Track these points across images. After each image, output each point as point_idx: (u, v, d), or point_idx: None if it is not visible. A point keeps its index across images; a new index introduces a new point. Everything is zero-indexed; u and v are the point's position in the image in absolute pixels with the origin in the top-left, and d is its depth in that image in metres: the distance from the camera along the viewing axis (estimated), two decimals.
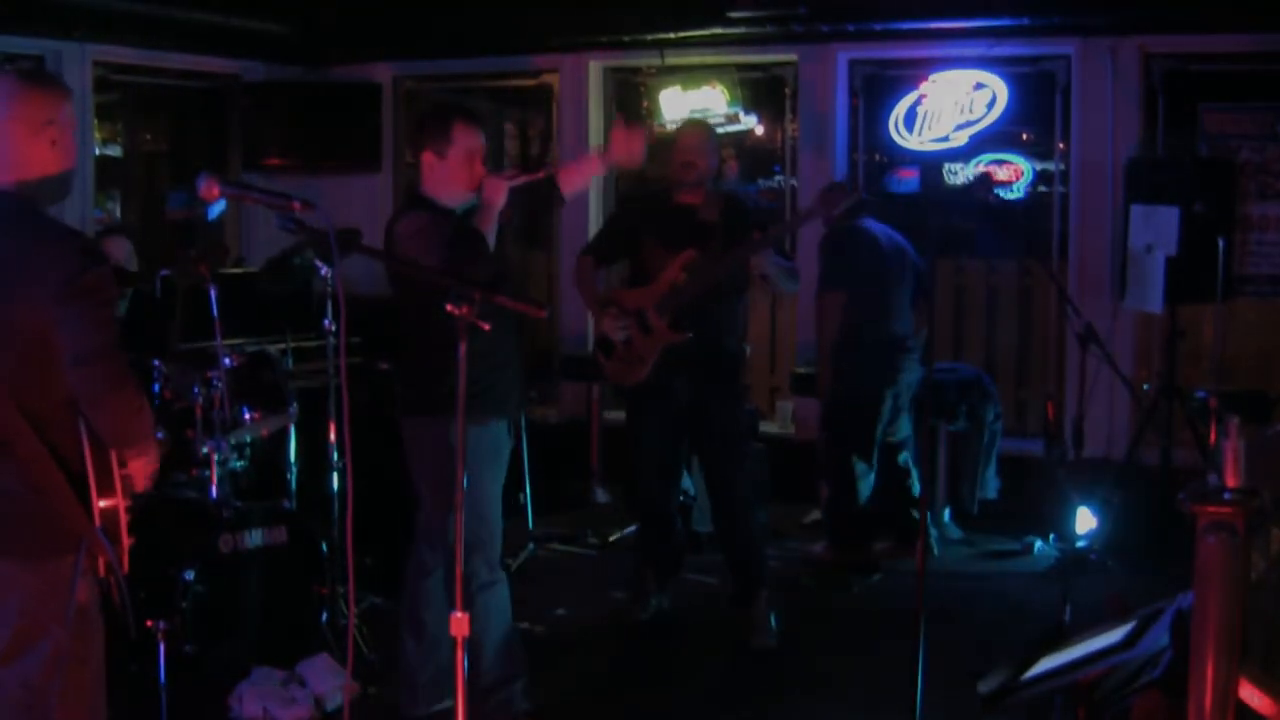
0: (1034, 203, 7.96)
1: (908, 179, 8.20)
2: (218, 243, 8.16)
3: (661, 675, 5.18)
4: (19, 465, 2.94)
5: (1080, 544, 6.44)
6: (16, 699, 3.01)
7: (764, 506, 6.61)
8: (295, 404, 5.29)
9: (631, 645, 5.49)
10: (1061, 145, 7.71)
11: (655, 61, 8.28)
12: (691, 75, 8.27)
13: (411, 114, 8.75)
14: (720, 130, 8.08)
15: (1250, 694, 2.26)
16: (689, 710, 4.86)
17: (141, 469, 3.18)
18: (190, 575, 4.61)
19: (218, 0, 7.84)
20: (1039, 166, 7.93)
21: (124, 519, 3.07)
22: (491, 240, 4.18)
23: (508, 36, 8.35)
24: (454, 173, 4.24)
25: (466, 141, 4.23)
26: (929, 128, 7.78)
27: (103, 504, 3.01)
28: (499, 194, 4.19)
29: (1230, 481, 2.18)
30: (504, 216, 4.31)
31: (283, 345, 5.68)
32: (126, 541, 3.10)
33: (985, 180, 7.89)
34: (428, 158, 4.26)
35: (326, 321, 5.22)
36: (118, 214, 8.69)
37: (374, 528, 5.64)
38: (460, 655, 2.95)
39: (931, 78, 7.70)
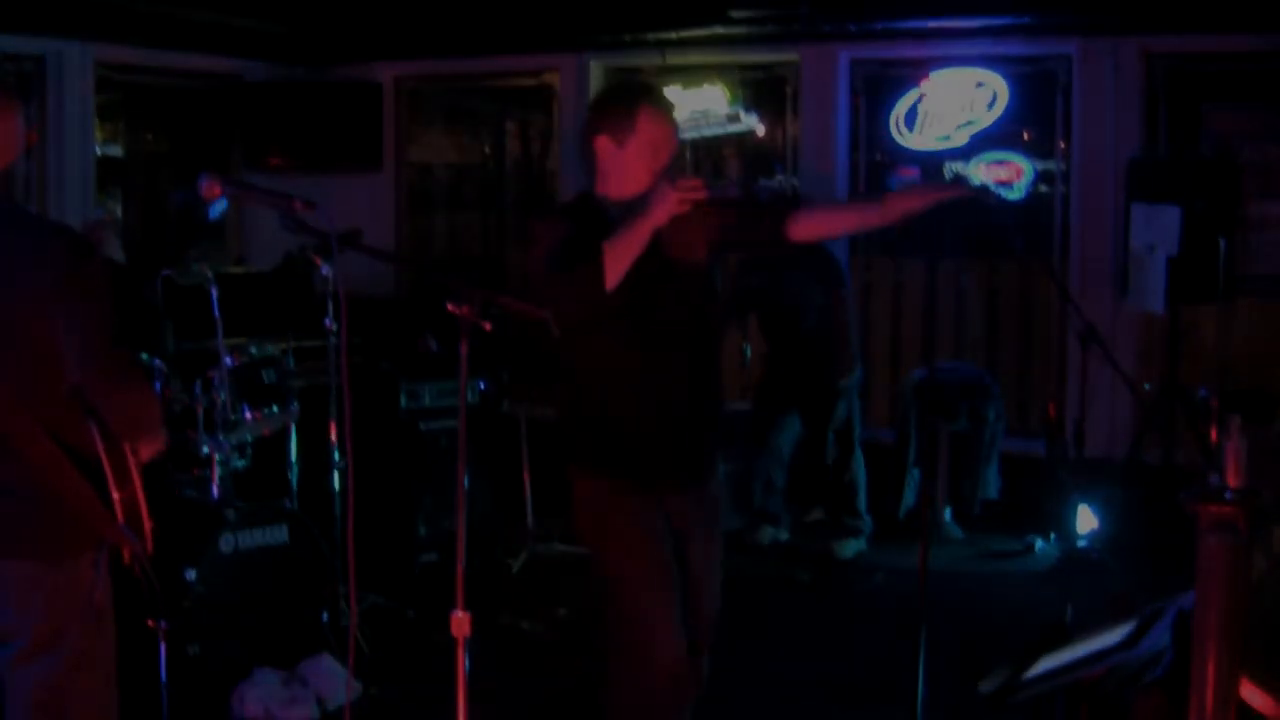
0: (1035, 202, 7.96)
1: (908, 178, 8.20)
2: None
3: None
4: (32, 467, 2.94)
5: (1081, 543, 6.45)
6: (36, 699, 3.02)
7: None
8: (296, 403, 5.29)
9: None
10: (1062, 144, 7.71)
11: (656, 61, 8.28)
12: (692, 75, 8.27)
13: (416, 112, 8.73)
14: (722, 130, 8.09)
15: (1251, 694, 2.26)
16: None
17: (146, 448, 3.20)
18: (191, 575, 4.61)
19: (219, 0, 7.85)
20: (1040, 166, 7.93)
21: (144, 507, 3.09)
22: (620, 265, 3.24)
23: (508, 36, 8.35)
24: (631, 167, 3.45)
25: (652, 132, 3.44)
26: (930, 127, 7.78)
27: (121, 495, 3.03)
28: (661, 207, 3.24)
29: (1231, 481, 2.18)
30: (696, 246, 3.47)
31: (284, 345, 5.69)
32: (149, 525, 3.12)
33: (984, 190, 7.91)
34: (602, 144, 3.47)
35: (328, 321, 5.22)
36: (118, 214, 8.69)
37: (375, 527, 5.65)
38: (460, 655, 2.94)
39: (932, 77, 7.70)
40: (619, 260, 3.22)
